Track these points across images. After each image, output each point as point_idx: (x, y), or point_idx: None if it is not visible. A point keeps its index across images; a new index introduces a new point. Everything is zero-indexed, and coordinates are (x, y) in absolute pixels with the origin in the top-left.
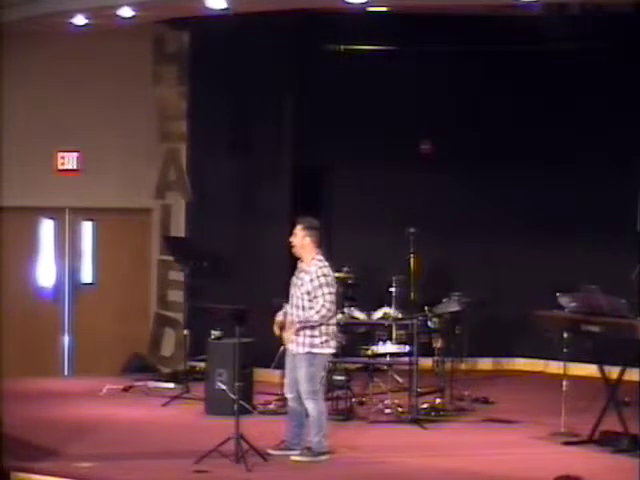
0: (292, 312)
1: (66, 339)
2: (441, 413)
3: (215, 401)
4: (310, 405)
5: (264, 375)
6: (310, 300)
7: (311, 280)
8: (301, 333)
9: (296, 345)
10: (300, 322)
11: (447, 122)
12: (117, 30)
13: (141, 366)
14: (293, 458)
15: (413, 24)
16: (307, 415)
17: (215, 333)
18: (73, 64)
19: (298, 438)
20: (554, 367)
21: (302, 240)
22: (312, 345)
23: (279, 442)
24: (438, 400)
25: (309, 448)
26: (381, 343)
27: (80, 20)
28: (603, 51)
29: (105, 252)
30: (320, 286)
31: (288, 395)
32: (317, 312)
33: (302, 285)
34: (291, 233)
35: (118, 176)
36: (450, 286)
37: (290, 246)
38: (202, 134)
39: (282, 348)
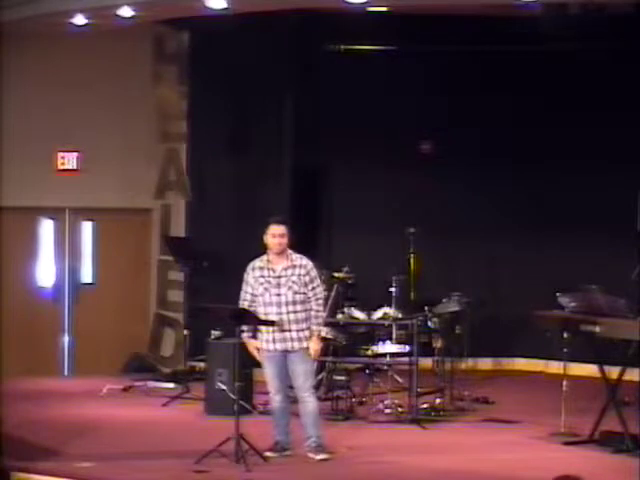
0: (282, 311)
1: (66, 339)
2: (441, 413)
3: (215, 401)
4: (310, 400)
5: (264, 375)
6: (305, 293)
7: (307, 272)
8: (302, 327)
9: (298, 341)
10: (317, 321)
11: (447, 122)
12: (117, 30)
13: (141, 366)
14: (319, 457)
15: (413, 24)
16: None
17: (215, 333)
18: (73, 64)
19: (289, 436)
20: (554, 367)
21: (288, 238)
22: (306, 338)
23: (273, 444)
24: (438, 400)
25: (320, 445)
26: (381, 343)
27: (80, 20)
28: (603, 51)
29: (105, 252)
30: (316, 277)
31: (277, 396)
32: (317, 299)
33: (298, 280)
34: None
35: (118, 176)
36: (450, 286)
37: (269, 248)
38: (202, 134)
39: None
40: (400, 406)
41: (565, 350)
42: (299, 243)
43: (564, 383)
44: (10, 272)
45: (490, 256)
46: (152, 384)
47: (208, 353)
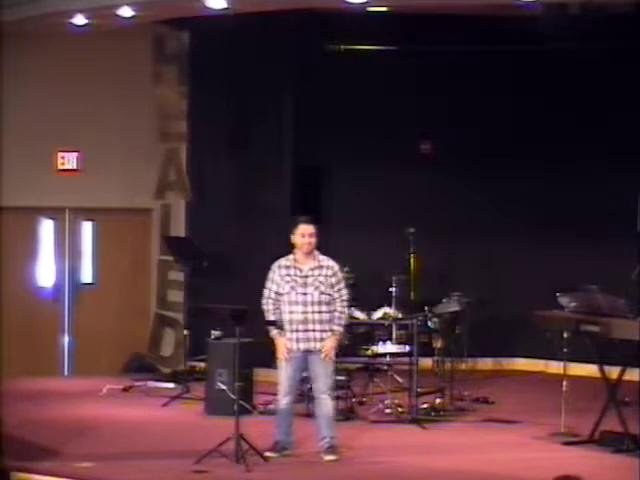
0: (307, 310)
1: (66, 339)
2: (441, 413)
3: (215, 401)
4: (329, 401)
5: (264, 375)
6: (330, 294)
7: (334, 274)
8: (325, 328)
9: (321, 342)
10: (339, 322)
11: (447, 122)
12: (117, 30)
13: (141, 366)
14: (328, 458)
15: (413, 24)
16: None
17: (215, 333)
18: (73, 64)
19: (291, 437)
20: (554, 367)
21: (316, 238)
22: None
23: (273, 444)
24: (438, 400)
25: (333, 446)
26: (381, 343)
27: (80, 20)
28: (603, 51)
29: (105, 252)
30: (342, 278)
31: (287, 398)
32: (343, 301)
33: (325, 280)
34: (291, 233)
35: (118, 176)
36: (450, 286)
37: (298, 247)
38: (202, 134)
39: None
40: (400, 406)
41: (565, 350)
42: None
43: (564, 383)
44: (10, 272)
45: (490, 256)
46: (152, 384)
47: (208, 353)
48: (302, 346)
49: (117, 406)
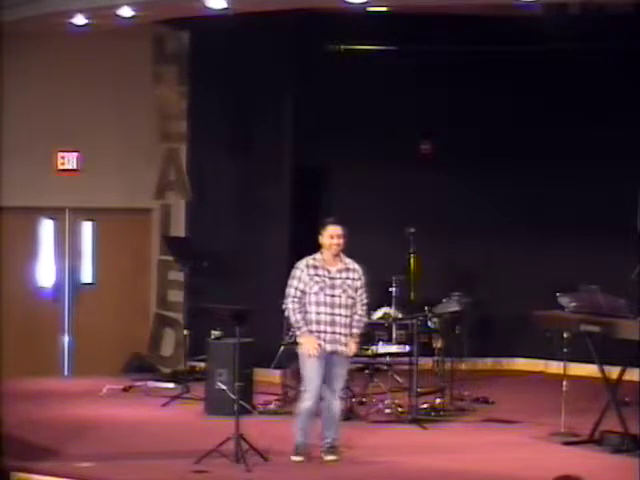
0: (334, 312)
1: (66, 339)
2: (441, 413)
3: (215, 401)
4: (338, 402)
5: (264, 375)
6: (354, 298)
7: (360, 277)
8: (348, 331)
9: (345, 344)
10: (359, 325)
11: (447, 122)
12: (117, 30)
13: (141, 366)
14: (329, 458)
15: (413, 24)
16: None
17: (215, 333)
18: (73, 64)
19: (310, 439)
20: (554, 367)
21: (344, 239)
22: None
23: (296, 447)
24: (438, 400)
25: (335, 446)
26: (381, 343)
27: (80, 20)
28: (603, 51)
29: (105, 252)
30: (365, 283)
31: (315, 398)
32: (363, 304)
33: (352, 284)
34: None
35: (118, 176)
36: (450, 286)
37: (326, 248)
38: (202, 134)
39: (282, 348)
40: (400, 406)
41: (565, 350)
42: (299, 243)
43: (564, 383)
44: (10, 272)
45: (490, 256)
46: (152, 384)
47: (208, 353)
48: (329, 347)
49: (117, 406)
